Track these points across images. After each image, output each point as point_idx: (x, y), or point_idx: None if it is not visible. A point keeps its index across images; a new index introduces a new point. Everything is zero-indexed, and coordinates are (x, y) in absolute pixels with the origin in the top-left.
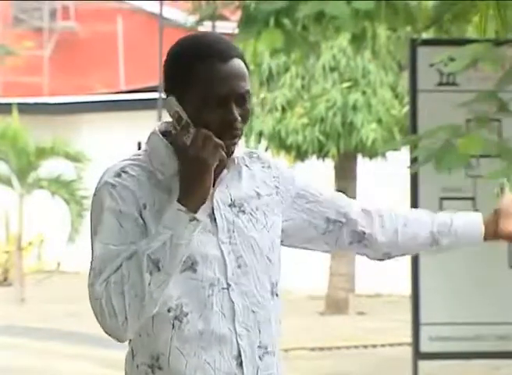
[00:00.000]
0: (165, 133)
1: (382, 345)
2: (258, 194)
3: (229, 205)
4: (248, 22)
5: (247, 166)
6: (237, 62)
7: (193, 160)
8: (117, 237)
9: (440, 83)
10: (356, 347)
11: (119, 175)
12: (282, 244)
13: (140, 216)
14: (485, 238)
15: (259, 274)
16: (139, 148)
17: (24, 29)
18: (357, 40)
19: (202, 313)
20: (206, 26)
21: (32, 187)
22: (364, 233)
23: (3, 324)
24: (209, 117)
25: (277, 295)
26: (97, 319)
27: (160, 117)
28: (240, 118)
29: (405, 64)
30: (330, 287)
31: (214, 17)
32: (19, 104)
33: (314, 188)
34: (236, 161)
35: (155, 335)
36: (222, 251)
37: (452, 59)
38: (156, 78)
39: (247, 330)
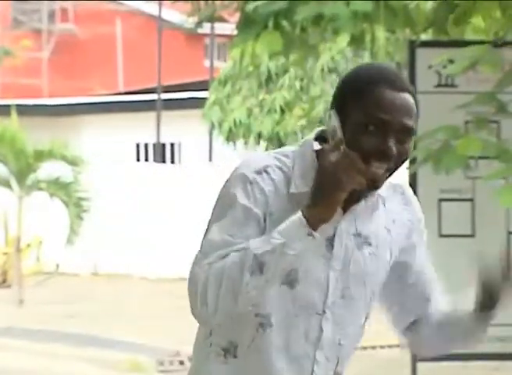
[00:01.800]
0: (317, 138)
1: (381, 347)
2: (389, 230)
3: (353, 235)
4: (247, 24)
5: (384, 204)
6: (407, 97)
7: (330, 177)
8: (237, 230)
9: (439, 85)
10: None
11: (259, 173)
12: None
13: (264, 220)
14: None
15: (360, 308)
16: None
17: (23, 31)
18: (356, 41)
19: (284, 330)
20: (205, 28)
21: (31, 189)
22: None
23: (2, 326)
24: (364, 141)
25: (364, 325)
26: (189, 299)
27: (159, 118)
28: (395, 152)
29: (404, 66)
30: None
31: (212, 19)
32: (17, 105)
33: (427, 264)
34: (376, 198)
35: (238, 326)
36: (328, 278)
37: (451, 61)
38: (155, 79)
39: (327, 360)
